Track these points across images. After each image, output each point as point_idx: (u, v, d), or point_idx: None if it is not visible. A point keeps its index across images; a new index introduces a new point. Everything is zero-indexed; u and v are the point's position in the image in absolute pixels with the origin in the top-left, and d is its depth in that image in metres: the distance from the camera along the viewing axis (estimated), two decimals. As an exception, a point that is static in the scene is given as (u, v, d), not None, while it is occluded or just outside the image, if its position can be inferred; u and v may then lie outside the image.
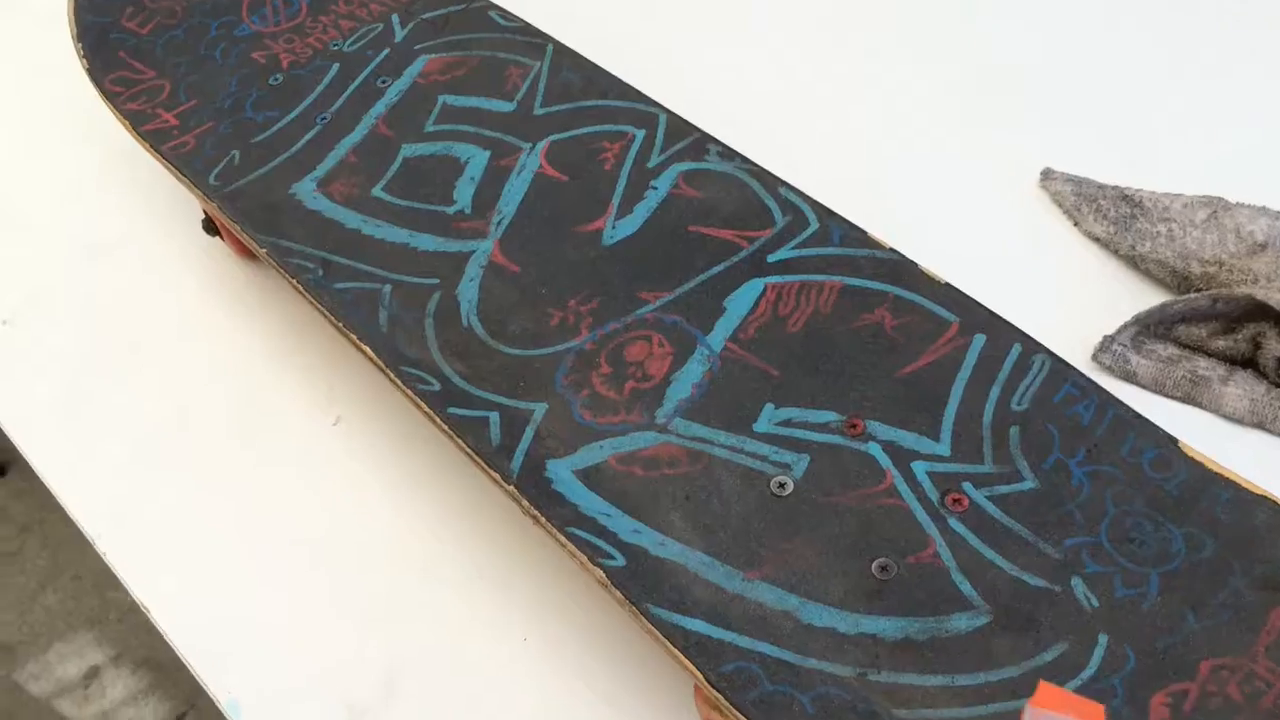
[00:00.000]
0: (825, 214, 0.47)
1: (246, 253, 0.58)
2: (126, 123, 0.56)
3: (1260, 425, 0.45)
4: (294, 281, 0.47)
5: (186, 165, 0.53)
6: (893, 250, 0.45)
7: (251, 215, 0.50)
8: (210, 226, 0.58)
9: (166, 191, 0.62)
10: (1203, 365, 0.47)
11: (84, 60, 0.58)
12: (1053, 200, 0.55)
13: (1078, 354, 0.48)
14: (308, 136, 0.54)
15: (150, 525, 0.48)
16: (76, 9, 0.60)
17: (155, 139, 0.55)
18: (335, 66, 0.58)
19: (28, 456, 0.51)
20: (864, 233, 0.46)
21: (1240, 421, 0.46)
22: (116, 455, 0.50)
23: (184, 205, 0.61)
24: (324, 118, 0.55)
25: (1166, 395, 0.47)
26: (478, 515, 0.46)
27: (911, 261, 0.44)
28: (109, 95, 0.57)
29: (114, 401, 0.53)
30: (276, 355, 0.53)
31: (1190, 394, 0.46)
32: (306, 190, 0.51)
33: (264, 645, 0.43)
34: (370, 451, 0.49)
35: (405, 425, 0.49)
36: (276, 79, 0.57)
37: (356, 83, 0.57)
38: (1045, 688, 0.20)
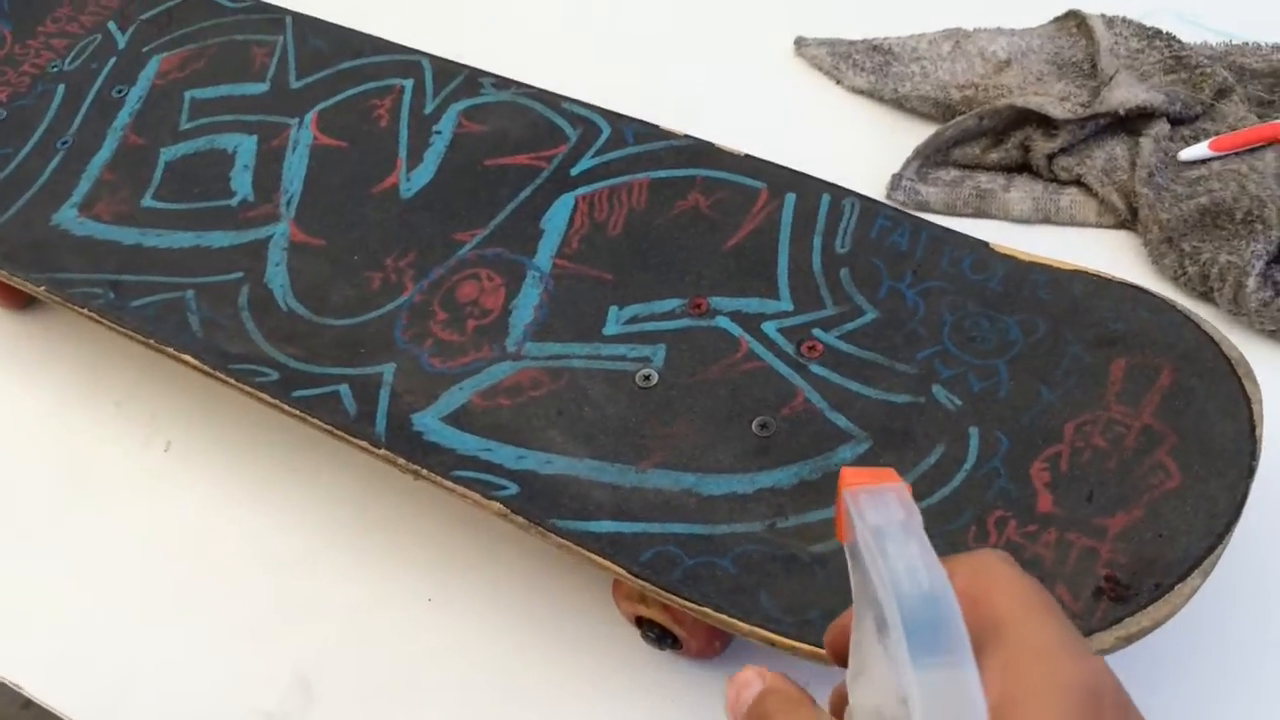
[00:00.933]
0: (614, 118, 0.47)
1: (15, 303, 0.53)
2: None
3: (1046, 219, 0.49)
4: (85, 311, 0.44)
5: (-76, 224, 0.49)
6: (687, 136, 0.46)
7: (16, 257, 0.46)
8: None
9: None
10: (984, 179, 0.50)
11: None
12: (811, 65, 0.57)
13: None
14: (53, 164, 0.50)
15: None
16: None
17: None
18: (61, 87, 0.54)
19: None
20: (655, 127, 0.46)
21: (1028, 220, 0.49)
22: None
23: None
24: (65, 141, 0.51)
25: (959, 214, 0.50)
26: (346, 492, 0.45)
27: (708, 142, 0.45)
28: None
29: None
30: (81, 399, 0.50)
31: (979, 208, 0.50)
32: (69, 218, 0.48)
33: (161, 689, 0.41)
34: (212, 465, 0.46)
35: (243, 426, 0.47)
36: (0, 114, 0.53)
37: (89, 98, 0.53)
38: (847, 471, 0.21)
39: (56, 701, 0.40)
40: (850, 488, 0.21)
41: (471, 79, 0.50)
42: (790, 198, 0.43)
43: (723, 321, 0.40)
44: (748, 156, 0.44)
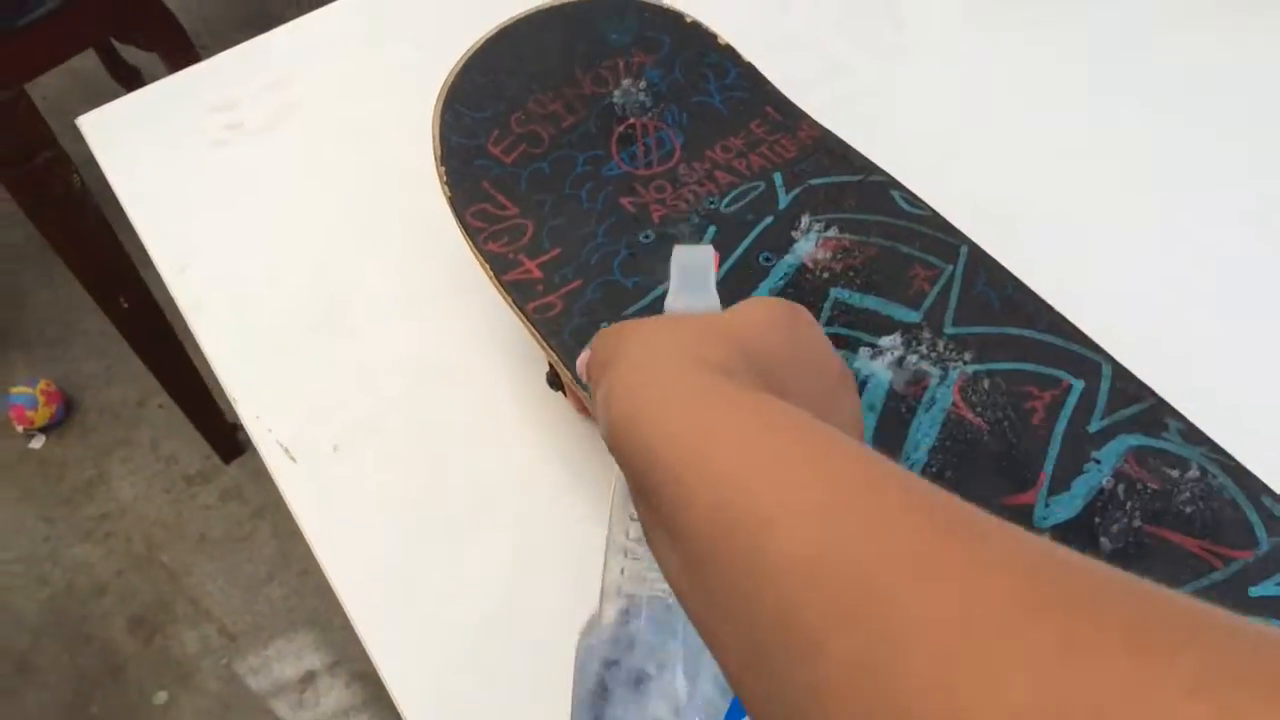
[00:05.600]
0: (1330, 548, 0.38)
1: (587, 413, 0.53)
2: (487, 267, 0.52)
3: None
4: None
5: (553, 334, 0.49)
6: None
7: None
8: (555, 382, 0.54)
9: (509, 326, 0.58)
10: None
11: (446, 188, 0.54)
12: None
13: None
14: (683, 314, 0.49)
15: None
16: (442, 126, 0.56)
17: (519, 293, 0.51)
18: (712, 229, 0.53)
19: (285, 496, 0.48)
20: (1380, 584, 0.37)
21: None
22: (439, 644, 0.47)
23: (528, 347, 0.57)
24: (700, 295, 0.50)
25: None
26: None
27: None
28: (470, 231, 0.53)
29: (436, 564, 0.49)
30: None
31: None
32: (686, 392, 0.46)
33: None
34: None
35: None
36: (648, 236, 0.53)
37: (737, 253, 0.51)
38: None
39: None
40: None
41: (1155, 412, 0.43)
42: None
43: None
44: None
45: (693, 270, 0.40)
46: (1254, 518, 0.39)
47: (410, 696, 0.45)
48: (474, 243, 0.53)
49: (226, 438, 1.49)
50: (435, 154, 0.56)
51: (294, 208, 0.65)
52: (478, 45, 0.58)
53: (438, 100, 0.57)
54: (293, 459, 0.54)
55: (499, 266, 0.52)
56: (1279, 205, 0.58)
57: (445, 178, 0.55)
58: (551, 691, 0.36)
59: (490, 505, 0.51)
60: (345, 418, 0.55)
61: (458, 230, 0.54)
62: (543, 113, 0.57)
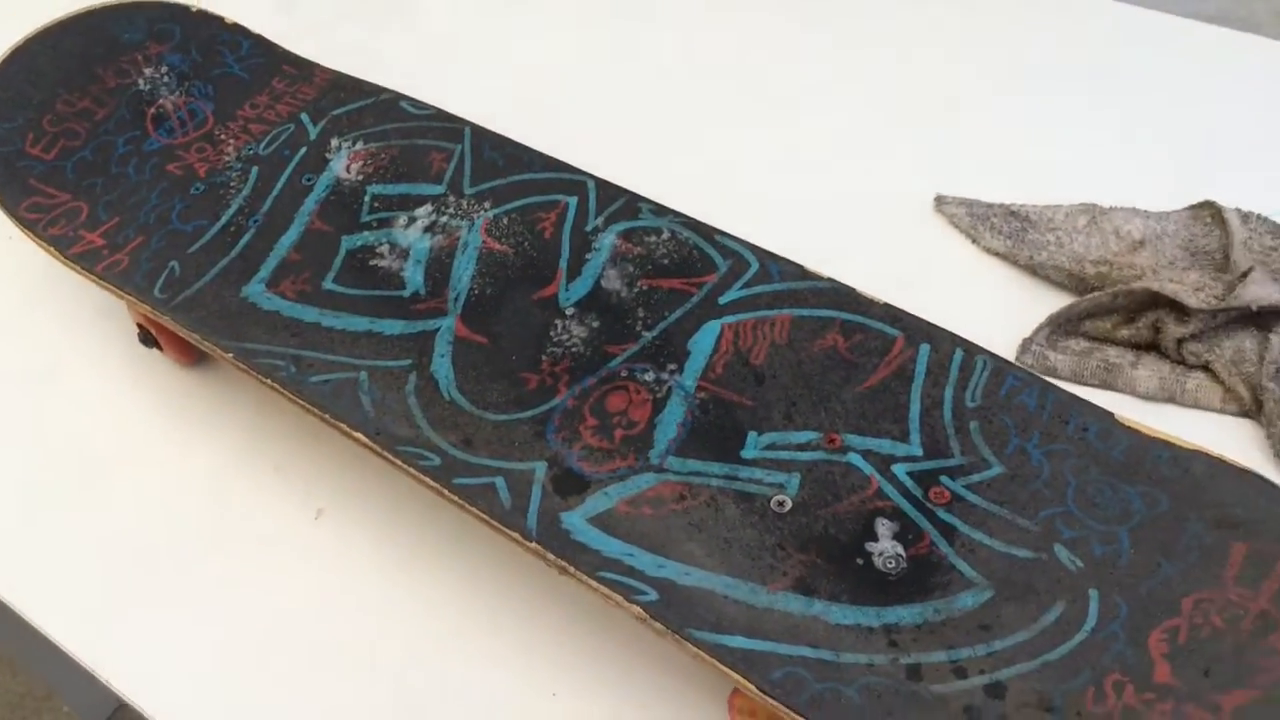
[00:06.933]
0: (763, 254, 0.50)
1: (187, 360, 0.58)
2: (51, 249, 0.56)
3: (1170, 399, 0.51)
4: (268, 382, 0.47)
5: (126, 282, 0.53)
6: (830, 280, 0.49)
7: (208, 323, 0.51)
8: (147, 338, 0.58)
9: (93, 311, 0.61)
10: (1113, 354, 0.52)
11: (-8, 191, 0.58)
12: (949, 223, 0.60)
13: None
14: (244, 240, 0.55)
15: (139, 644, 0.47)
16: (-25, 141, 0.59)
17: (85, 261, 0.55)
18: (255, 170, 0.59)
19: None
20: (801, 267, 0.50)
21: (1153, 398, 0.51)
22: (88, 580, 0.50)
23: (115, 321, 0.61)
24: (256, 219, 0.56)
25: (1085, 384, 0.52)
26: (479, 579, 0.48)
27: (849, 287, 0.48)
28: (26, 224, 0.57)
29: (75, 528, 0.52)
30: (240, 461, 0.53)
31: (1106, 380, 0.52)
32: (257, 292, 0.52)
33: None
34: (358, 538, 0.50)
35: (396, 504, 0.50)
36: (198, 188, 0.58)
37: (281, 182, 0.58)
38: None
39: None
40: None
41: (631, 203, 0.54)
42: (925, 348, 0.46)
43: (855, 458, 0.43)
44: (886, 305, 0.47)
45: None
46: (711, 251, 0.51)
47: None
48: (34, 232, 0.56)
49: None
50: (-27, 166, 0.58)
51: None
52: (-8, 66, 0.62)
53: (-36, 122, 0.60)
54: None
55: (62, 245, 0.56)
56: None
57: (-12, 184, 0.58)
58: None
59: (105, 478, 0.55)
60: None
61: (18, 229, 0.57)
62: (73, 111, 0.62)
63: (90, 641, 0.47)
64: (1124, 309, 0.52)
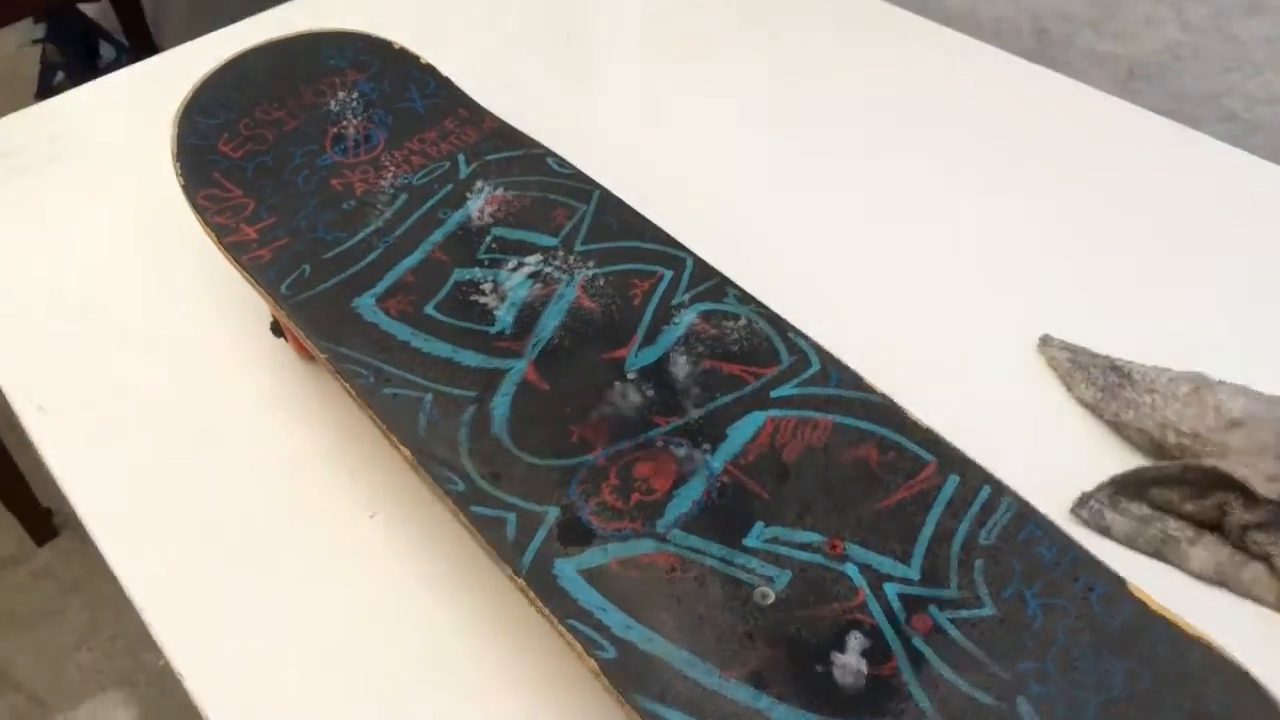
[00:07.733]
0: (827, 358, 0.51)
1: (307, 355, 0.64)
2: (212, 234, 0.63)
3: (1223, 584, 0.49)
4: (347, 385, 0.52)
5: (262, 275, 0.60)
6: (883, 395, 0.49)
7: (316, 323, 0.56)
8: (277, 330, 0.64)
9: (241, 298, 0.68)
10: (1173, 526, 0.50)
11: (180, 178, 0.65)
12: (1047, 364, 0.60)
13: (1056, 505, 0.51)
14: (370, 257, 0.60)
15: (195, 600, 0.52)
16: (179, 133, 0.68)
17: (235, 250, 0.61)
18: (403, 197, 0.65)
19: (89, 525, 0.56)
20: (859, 377, 0.50)
21: (1204, 579, 0.49)
22: (171, 533, 0.55)
23: (255, 310, 0.67)
24: (387, 240, 0.61)
25: (1137, 550, 0.50)
26: (487, 605, 0.50)
27: (899, 406, 0.49)
28: (199, 209, 0.64)
29: (176, 484, 0.58)
30: (326, 450, 0.59)
31: (1159, 550, 0.50)
32: (367, 305, 0.57)
33: None
34: (401, 544, 0.54)
35: (434, 523, 0.54)
36: (349, 205, 0.64)
37: (420, 212, 0.63)
38: None
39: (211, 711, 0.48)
40: None
41: (720, 285, 0.56)
42: (954, 478, 0.45)
43: (851, 569, 0.43)
44: (929, 430, 0.47)
45: None
46: (779, 344, 0.52)
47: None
48: (203, 219, 0.64)
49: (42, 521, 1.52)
50: (172, 152, 0.67)
51: (71, 234, 0.75)
52: (212, 70, 0.70)
53: (177, 113, 0.68)
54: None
55: (222, 233, 0.63)
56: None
57: (179, 170, 0.66)
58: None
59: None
60: (101, 384, 0.65)
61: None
62: (268, 119, 0.69)
63: (153, 591, 0.53)
64: (1193, 484, 0.50)
